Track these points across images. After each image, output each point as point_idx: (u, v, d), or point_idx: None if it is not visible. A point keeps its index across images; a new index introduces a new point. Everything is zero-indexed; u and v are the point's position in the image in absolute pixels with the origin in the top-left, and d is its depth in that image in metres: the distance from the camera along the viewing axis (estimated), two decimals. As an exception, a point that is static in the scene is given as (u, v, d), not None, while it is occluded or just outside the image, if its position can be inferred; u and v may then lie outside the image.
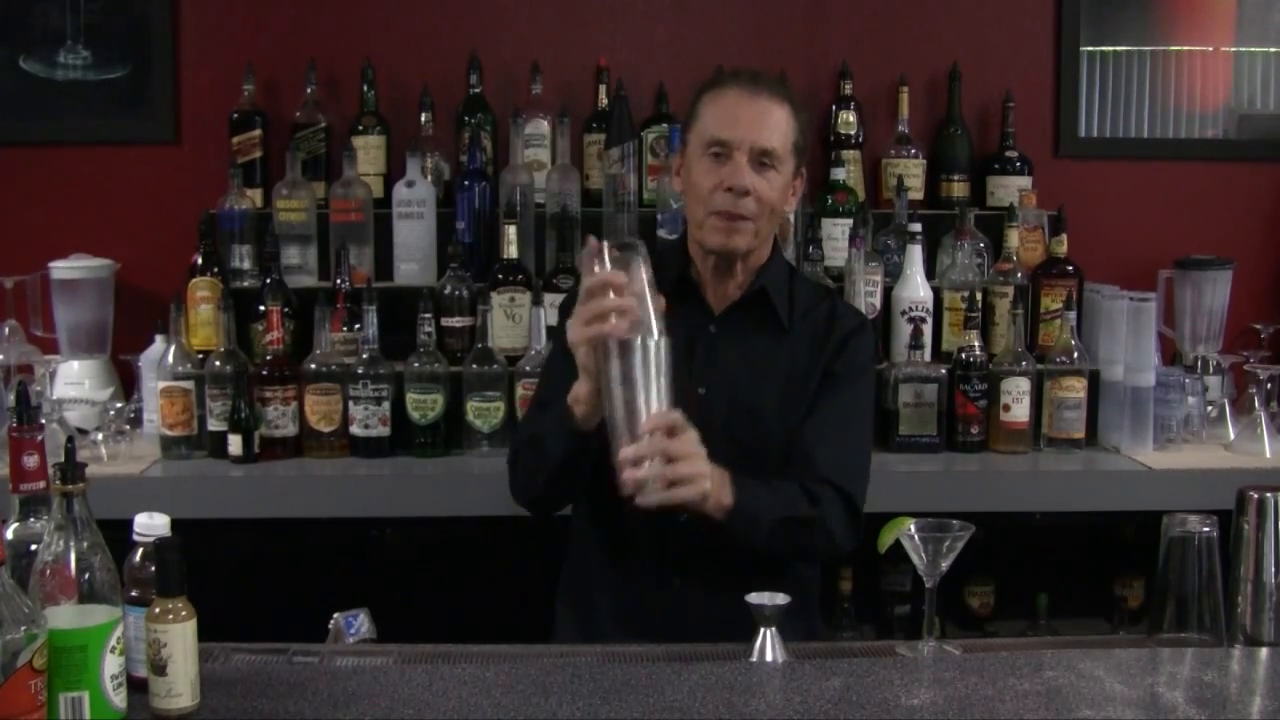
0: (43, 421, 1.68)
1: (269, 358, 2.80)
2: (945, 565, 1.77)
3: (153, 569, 1.48)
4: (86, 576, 1.42)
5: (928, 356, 2.93)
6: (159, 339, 2.91)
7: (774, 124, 2.03)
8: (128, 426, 2.85)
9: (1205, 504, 1.86)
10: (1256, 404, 2.95)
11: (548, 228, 3.02)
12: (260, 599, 2.61)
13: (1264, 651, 1.72)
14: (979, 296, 2.92)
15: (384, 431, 2.81)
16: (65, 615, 1.39)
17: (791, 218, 2.86)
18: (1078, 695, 1.55)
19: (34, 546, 1.45)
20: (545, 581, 2.26)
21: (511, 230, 2.89)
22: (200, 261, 2.92)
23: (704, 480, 1.82)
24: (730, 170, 2.01)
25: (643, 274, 1.80)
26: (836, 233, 3.02)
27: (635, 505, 1.78)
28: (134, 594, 1.51)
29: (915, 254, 2.98)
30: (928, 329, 2.95)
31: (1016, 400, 2.88)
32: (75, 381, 3.02)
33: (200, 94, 3.23)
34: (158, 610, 1.45)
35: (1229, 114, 3.44)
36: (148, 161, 3.25)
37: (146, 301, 3.12)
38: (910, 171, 3.20)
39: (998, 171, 3.26)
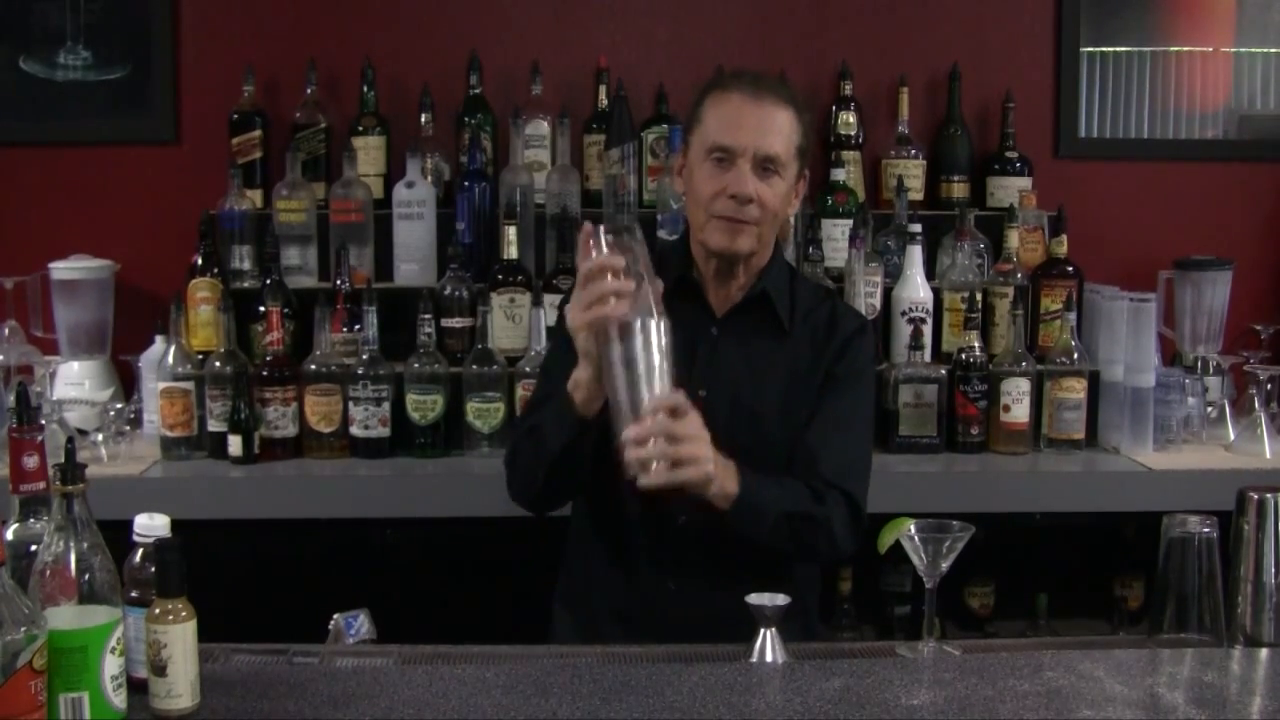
0: (43, 422, 1.68)
1: (269, 358, 2.80)
2: (945, 566, 1.77)
3: (153, 569, 1.48)
4: (86, 577, 1.42)
5: (928, 357, 2.93)
6: (159, 339, 2.91)
7: (777, 129, 2.02)
8: (128, 427, 2.86)
9: (1205, 504, 1.86)
10: (1256, 404, 2.95)
11: (548, 228, 3.02)
12: (260, 599, 2.61)
13: (1264, 652, 1.72)
14: (979, 297, 2.92)
15: (384, 432, 2.81)
16: (65, 616, 1.39)
17: (791, 219, 2.86)
18: (1078, 696, 1.55)
19: (34, 547, 1.45)
20: (545, 582, 2.26)
21: (511, 231, 2.89)
22: (200, 262, 2.92)
23: (707, 462, 1.81)
24: (734, 177, 2.00)
25: (640, 256, 1.79)
26: (836, 233, 3.02)
27: (638, 488, 1.77)
28: (134, 594, 1.51)
29: (915, 254, 2.98)
30: (928, 330, 2.95)
31: (1016, 401, 2.88)
32: (75, 382, 3.02)
33: (200, 94, 3.23)
34: (158, 611, 1.45)
35: (1229, 114, 3.43)
36: (148, 162, 3.25)
37: (146, 302, 3.12)
38: (910, 172, 3.20)
39: (998, 172, 3.26)
